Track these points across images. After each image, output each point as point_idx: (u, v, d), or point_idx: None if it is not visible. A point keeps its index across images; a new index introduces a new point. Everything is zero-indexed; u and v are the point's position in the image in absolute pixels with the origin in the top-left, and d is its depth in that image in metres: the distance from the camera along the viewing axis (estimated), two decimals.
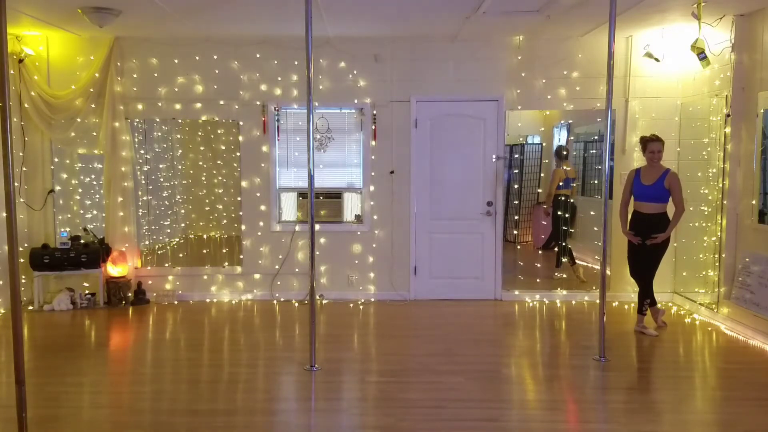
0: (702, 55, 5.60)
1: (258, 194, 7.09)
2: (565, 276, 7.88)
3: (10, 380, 3.59)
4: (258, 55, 6.94)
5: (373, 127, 7.02)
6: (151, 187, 7.59)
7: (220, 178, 7.81)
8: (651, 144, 5.70)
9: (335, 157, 7.17)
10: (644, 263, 5.85)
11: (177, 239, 8.28)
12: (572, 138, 10.16)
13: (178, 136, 8.51)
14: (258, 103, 7.00)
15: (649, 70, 6.79)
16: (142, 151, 7.37)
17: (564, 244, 7.96)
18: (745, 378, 4.68)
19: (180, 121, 7.25)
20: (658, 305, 6.10)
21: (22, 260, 6.54)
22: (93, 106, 6.80)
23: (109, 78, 6.76)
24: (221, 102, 6.99)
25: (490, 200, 7.09)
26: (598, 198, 8.26)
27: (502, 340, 5.83)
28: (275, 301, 7.09)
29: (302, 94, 6.91)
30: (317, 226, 6.96)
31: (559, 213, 7.93)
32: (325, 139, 7.13)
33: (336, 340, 5.67)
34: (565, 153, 8.30)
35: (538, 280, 7.51)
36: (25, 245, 6.76)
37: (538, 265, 8.43)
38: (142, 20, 6.06)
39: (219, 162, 7.74)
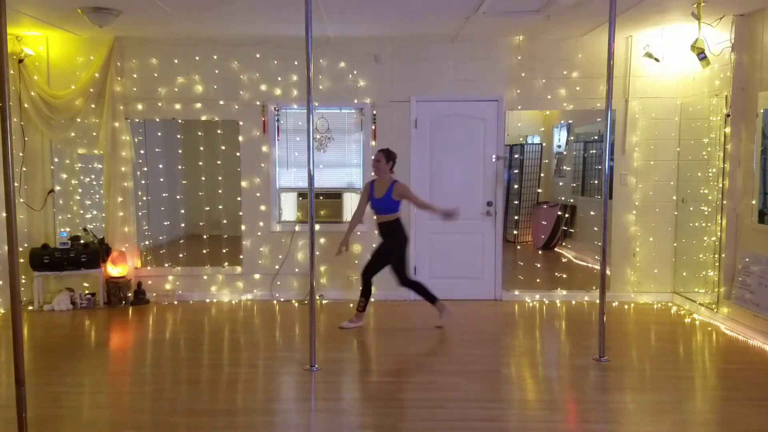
0: (702, 55, 5.60)
1: (258, 194, 7.09)
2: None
3: (10, 380, 3.59)
4: (258, 55, 6.94)
5: (373, 127, 7.02)
6: (151, 188, 7.59)
7: (220, 178, 7.80)
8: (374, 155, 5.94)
9: (335, 157, 7.17)
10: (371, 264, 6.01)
11: (177, 239, 8.27)
12: (572, 138, 10.17)
13: (178, 136, 8.51)
14: (258, 103, 7.00)
15: (649, 70, 6.79)
16: (142, 151, 7.37)
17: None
18: (745, 378, 4.68)
19: (180, 121, 7.25)
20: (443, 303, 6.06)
21: (22, 260, 6.53)
22: (93, 106, 6.80)
23: (109, 78, 6.75)
24: (221, 102, 6.99)
25: (490, 200, 7.08)
26: (598, 198, 8.26)
27: (502, 340, 5.83)
28: (275, 301, 7.08)
29: (302, 94, 6.91)
30: (317, 226, 6.95)
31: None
32: (325, 139, 7.13)
33: (336, 340, 5.67)
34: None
35: (538, 280, 7.51)
36: (25, 245, 6.76)
37: (538, 265, 8.43)
38: (142, 20, 6.06)
39: (219, 162, 7.73)
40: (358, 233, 7.14)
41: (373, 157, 6.04)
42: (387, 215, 5.88)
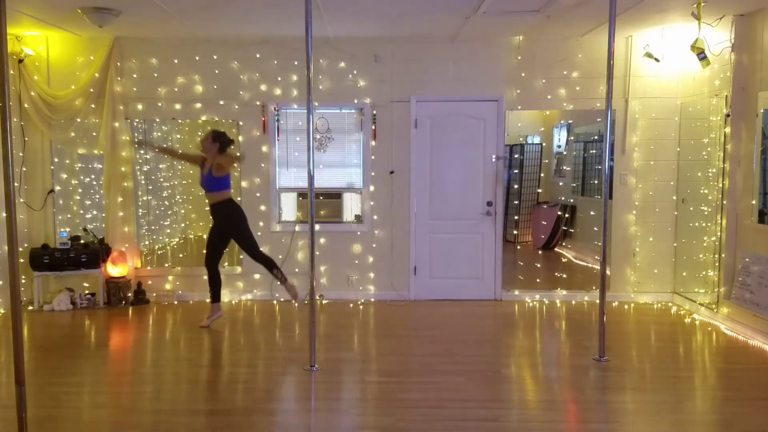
0: (702, 55, 5.60)
1: (258, 194, 7.09)
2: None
3: (10, 380, 3.59)
4: (258, 55, 6.94)
5: (373, 127, 7.02)
6: (151, 187, 7.58)
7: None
8: None
9: (335, 157, 7.17)
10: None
11: (177, 239, 8.27)
12: (572, 138, 10.17)
13: (178, 136, 8.49)
14: (258, 103, 7.00)
15: (649, 70, 6.79)
16: (142, 151, 7.37)
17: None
18: (745, 378, 4.68)
19: (180, 121, 7.25)
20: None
21: (22, 260, 6.53)
22: (93, 106, 6.79)
23: (109, 78, 6.75)
24: (221, 102, 6.99)
25: (490, 200, 7.08)
26: (598, 198, 8.26)
27: (502, 340, 5.83)
28: (275, 301, 7.08)
29: (302, 94, 6.91)
30: (317, 226, 6.95)
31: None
32: (325, 139, 7.13)
33: (336, 340, 5.67)
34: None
35: (538, 280, 7.51)
36: (25, 245, 6.75)
37: (538, 265, 8.43)
38: (142, 20, 6.06)
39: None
40: (358, 233, 7.14)
41: None
42: (214, 193, 5.86)
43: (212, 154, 5.85)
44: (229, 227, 5.96)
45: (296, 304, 6.03)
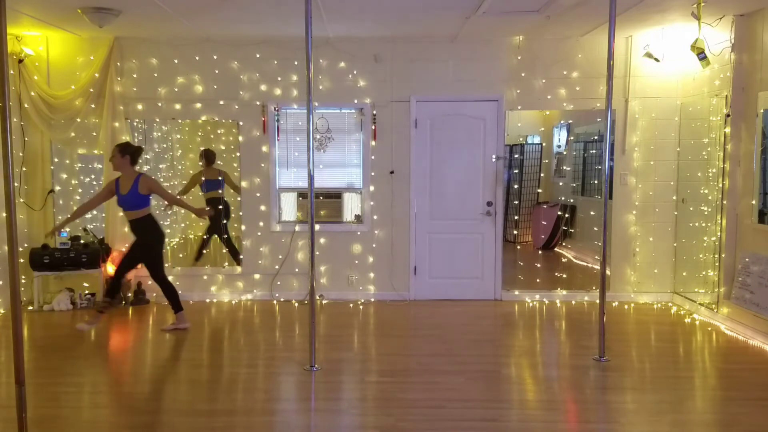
0: (702, 55, 5.60)
1: (258, 194, 7.09)
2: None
3: (10, 380, 3.59)
4: (258, 55, 6.94)
5: (373, 127, 7.02)
6: None
7: (220, 178, 7.80)
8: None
9: (335, 157, 7.17)
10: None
11: (177, 239, 8.27)
12: (572, 138, 10.17)
13: (178, 136, 8.50)
14: (258, 103, 7.00)
15: (649, 70, 6.79)
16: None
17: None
18: (745, 378, 4.68)
19: (180, 121, 7.25)
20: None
21: (21, 260, 6.53)
22: (93, 106, 6.79)
23: (109, 78, 6.75)
24: (221, 102, 6.99)
25: (490, 200, 7.08)
26: (598, 198, 8.27)
27: (502, 340, 5.83)
28: (275, 301, 7.08)
29: (302, 94, 6.91)
30: (317, 226, 6.95)
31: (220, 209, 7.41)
32: (325, 139, 7.13)
33: (336, 340, 5.67)
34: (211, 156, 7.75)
35: (538, 280, 7.51)
36: (25, 245, 6.75)
37: (538, 265, 8.43)
38: (142, 20, 6.06)
39: (219, 162, 7.74)
40: (358, 233, 7.14)
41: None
42: (136, 211, 5.71)
43: (126, 167, 5.70)
44: (142, 242, 5.80)
45: (168, 328, 5.95)
